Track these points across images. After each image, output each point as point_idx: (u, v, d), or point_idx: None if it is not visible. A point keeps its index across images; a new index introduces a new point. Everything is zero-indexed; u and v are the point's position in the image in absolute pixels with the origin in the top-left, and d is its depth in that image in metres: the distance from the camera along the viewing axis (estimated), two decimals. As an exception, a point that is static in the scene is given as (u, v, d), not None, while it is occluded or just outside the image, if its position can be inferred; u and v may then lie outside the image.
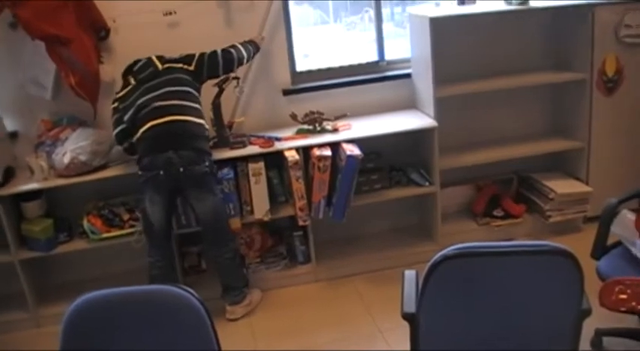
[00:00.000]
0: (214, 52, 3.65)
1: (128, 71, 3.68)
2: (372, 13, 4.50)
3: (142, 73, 3.60)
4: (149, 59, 3.64)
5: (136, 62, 3.65)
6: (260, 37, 3.88)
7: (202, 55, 3.65)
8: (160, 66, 3.60)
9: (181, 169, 3.32)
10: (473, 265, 2.03)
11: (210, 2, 3.86)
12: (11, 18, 3.57)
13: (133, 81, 3.61)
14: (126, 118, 3.52)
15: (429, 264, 2.01)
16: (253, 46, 3.80)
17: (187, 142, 3.39)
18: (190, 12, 3.85)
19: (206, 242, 3.63)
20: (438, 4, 4.31)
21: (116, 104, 3.59)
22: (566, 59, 4.17)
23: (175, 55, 3.68)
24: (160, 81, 3.53)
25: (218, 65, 3.64)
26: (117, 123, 3.58)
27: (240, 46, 3.71)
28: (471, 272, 2.02)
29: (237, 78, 3.79)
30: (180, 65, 3.63)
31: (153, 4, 3.81)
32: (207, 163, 3.42)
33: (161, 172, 3.33)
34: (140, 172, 3.42)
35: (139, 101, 3.48)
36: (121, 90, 3.63)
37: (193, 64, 3.64)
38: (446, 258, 1.99)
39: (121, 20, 3.81)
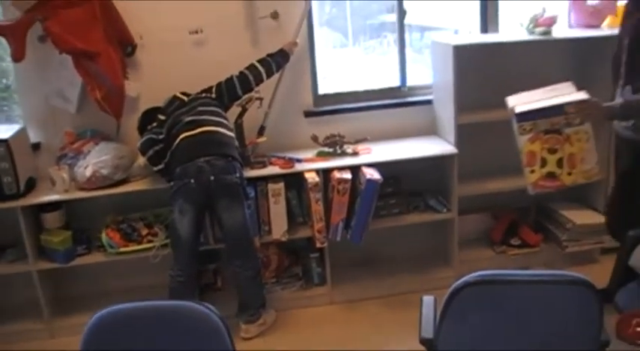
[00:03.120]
0: (230, 77, 3.74)
1: (151, 116, 3.75)
2: (390, 38, 4.53)
3: (169, 107, 3.70)
4: (173, 96, 3.75)
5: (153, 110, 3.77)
6: (293, 43, 3.89)
7: (219, 83, 3.75)
8: (185, 98, 3.70)
9: (212, 178, 3.34)
10: (494, 293, 2.03)
11: (238, 22, 3.90)
12: (41, 31, 3.62)
13: (162, 117, 3.68)
14: (161, 137, 3.58)
15: (450, 290, 2.02)
16: (279, 57, 3.83)
17: (218, 149, 3.43)
18: (217, 31, 3.89)
19: (230, 256, 3.57)
20: (457, 32, 4.35)
21: (148, 136, 3.64)
22: (587, 90, 4.16)
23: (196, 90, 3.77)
24: (190, 106, 3.62)
25: (235, 87, 3.72)
26: (148, 146, 3.60)
27: (257, 65, 3.76)
28: (492, 300, 2.02)
29: (260, 98, 3.83)
30: (203, 95, 3.73)
31: (180, 22, 3.86)
32: (237, 174, 3.43)
33: (192, 181, 3.35)
34: (172, 182, 3.45)
35: (172, 121, 3.58)
36: (152, 126, 3.70)
37: (214, 92, 3.74)
38: (467, 284, 2.00)
39: (148, 37, 3.85)
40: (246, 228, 3.48)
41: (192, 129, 3.49)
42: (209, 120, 3.55)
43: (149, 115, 3.79)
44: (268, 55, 3.81)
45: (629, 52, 3.21)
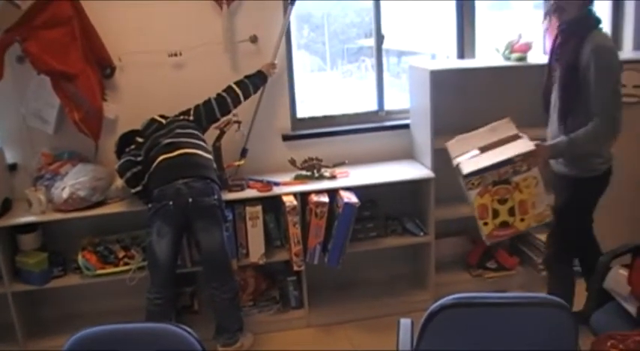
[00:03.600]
0: (208, 100, 3.76)
1: (129, 140, 3.76)
2: (368, 62, 4.57)
3: (147, 129, 3.70)
4: (151, 119, 3.76)
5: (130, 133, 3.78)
6: (270, 64, 3.92)
7: (197, 105, 3.76)
8: (163, 121, 3.71)
9: (190, 200, 3.33)
10: (470, 315, 2.04)
11: (217, 45, 3.91)
12: (19, 52, 3.62)
13: (140, 139, 3.69)
14: (139, 159, 3.58)
15: (427, 312, 2.02)
16: (257, 79, 3.86)
17: (197, 172, 3.43)
18: (196, 54, 3.90)
19: (207, 278, 3.54)
20: (434, 57, 4.39)
21: (126, 158, 3.63)
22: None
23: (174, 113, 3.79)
24: (168, 129, 3.63)
25: (214, 110, 3.74)
26: (126, 168, 3.59)
27: (235, 87, 3.78)
28: (468, 322, 2.03)
29: (238, 122, 3.85)
30: (181, 117, 3.74)
31: (159, 45, 3.87)
32: (216, 197, 3.43)
33: (170, 203, 3.34)
34: (149, 205, 3.43)
35: (150, 143, 3.57)
36: (130, 149, 3.70)
37: (191, 114, 3.74)
38: (444, 307, 2.00)
39: (127, 59, 3.85)
40: (224, 250, 3.47)
41: (171, 151, 3.49)
42: (187, 142, 3.55)
43: (126, 139, 3.78)
44: (246, 77, 3.84)
45: (562, 84, 3.19)
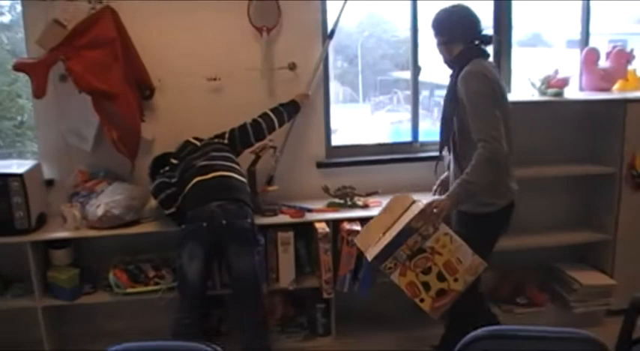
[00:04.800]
0: (243, 124, 3.80)
1: (163, 162, 3.81)
2: (400, 94, 4.59)
3: (182, 151, 3.74)
4: (186, 141, 3.81)
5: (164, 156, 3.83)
6: (304, 95, 3.97)
7: (233, 129, 3.80)
8: (197, 143, 3.75)
9: (224, 222, 3.33)
10: (503, 347, 2.01)
11: (255, 72, 3.96)
12: (63, 70, 3.69)
13: (175, 161, 3.73)
14: (173, 180, 3.61)
15: (460, 343, 2.01)
16: (291, 107, 3.90)
17: (231, 194, 3.44)
18: (234, 79, 3.96)
19: (236, 301, 3.51)
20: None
21: (161, 179, 3.67)
22: (597, 152, 4.24)
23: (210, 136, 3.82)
24: (202, 151, 3.66)
25: (249, 134, 3.78)
26: (161, 189, 3.63)
27: (270, 113, 3.82)
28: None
29: (274, 147, 3.88)
30: (215, 140, 3.77)
31: (199, 69, 3.93)
32: (249, 220, 3.44)
33: (204, 224, 3.34)
34: (183, 226, 3.44)
35: (185, 165, 3.61)
36: (165, 170, 3.74)
37: (226, 137, 3.78)
38: (477, 338, 1.99)
39: (166, 81, 3.92)
40: (255, 274, 3.44)
41: (206, 173, 3.51)
42: (222, 165, 3.58)
43: (160, 161, 3.83)
44: (280, 105, 3.88)
45: (442, 119, 3.25)
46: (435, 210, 3.01)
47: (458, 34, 3.15)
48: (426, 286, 3.06)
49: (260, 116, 3.81)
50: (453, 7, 3.24)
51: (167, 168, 3.74)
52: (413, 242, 3.02)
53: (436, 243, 3.02)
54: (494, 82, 3.05)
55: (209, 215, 3.35)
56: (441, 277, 3.04)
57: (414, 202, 3.15)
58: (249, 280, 3.43)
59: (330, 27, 4.00)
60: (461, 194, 3.04)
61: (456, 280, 3.05)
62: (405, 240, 3.02)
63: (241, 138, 3.78)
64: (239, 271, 3.42)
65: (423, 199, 3.14)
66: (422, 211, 3.02)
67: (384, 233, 3.14)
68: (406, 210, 3.15)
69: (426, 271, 3.04)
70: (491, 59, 3.34)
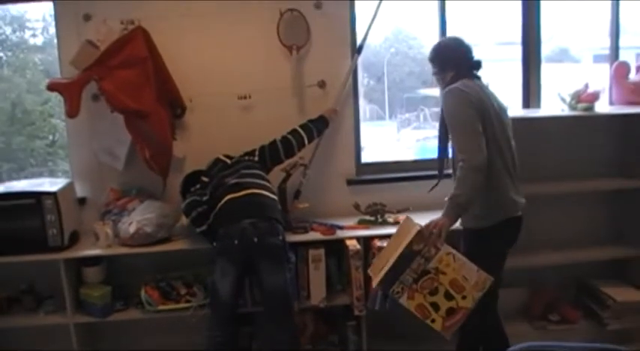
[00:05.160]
0: (273, 141, 3.81)
1: (194, 180, 3.82)
2: (427, 111, 4.58)
3: (213, 169, 3.77)
4: (216, 158, 3.82)
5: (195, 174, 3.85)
6: (332, 110, 3.99)
7: (263, 146, 3.82)
8: (228, 161, 3.77)
9: (256, 239, 3.33)
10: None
11: (285, 90, 3.98)
12: (95, 90, 3.75)
13: (205, 179, 3.75)
14: (205, 198, 3.62)
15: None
16: (320, 123, 3.93)
17: (262, 212, 3.44)
18: (265, 98, 3.99)
19: (267, 319, 3.47)
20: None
21: (192, 197, 3.68)
22: (629, 166, 4.20)
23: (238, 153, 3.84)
24: (233, 169, 3.68)
25: (279, 151, 3.79)
26: (192, 207, 3.64)
27: (299, 129, 3.84)
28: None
29: (304, 165, 3.90)
30: (246, 158, 3.79)
31: (230, 87, 3.97)
32: (281, 237, 3.44)
33: (236, 242, 3.34)
34: (214, 243, 3.46)
35: (216, 183, 3.62)
36: (196, 188, 3.76)
37: (256, 155, 3.79)
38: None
39: (198, 100, 3.96)
40: (286, 292, 3.42)
41: (237, 191, 3.52)
42: (253, 183, 3.59)
43: (191, 179, 3.85)
44: (309, 121, 3.90)
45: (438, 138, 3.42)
46: (433, 231, 3.04)
47: (450, 63, 3.32)
48: (435, 306, 3.05)
49: (290, 133, 3.83)
50: (447, 39, 3.59)
51: (198, 186, 3.76)
52: (417, 265, 3.03)
53: (439, 263, 3.03)
54: (472, 96, 3.14)
55: (241, 233, 3.35)
56: (448, 296, 3.04)
57: (414, 225, 3.15)
58: (280, 297, 3.41)
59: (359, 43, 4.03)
60: (454, 209, 3.07)
61: (464, 297, 3.04)
62: (408, 263, 3.03)
63: (271, 155, 3.80)
64: (271, 289, 3.40)
65: (417, 225, 3.13)
66: (420, 233, 3.04)
67: (389, 259, 3.15)
68: (406, 235, 3.16)
69: (434, 292, 3.04)
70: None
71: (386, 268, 3.07)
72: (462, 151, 3.07)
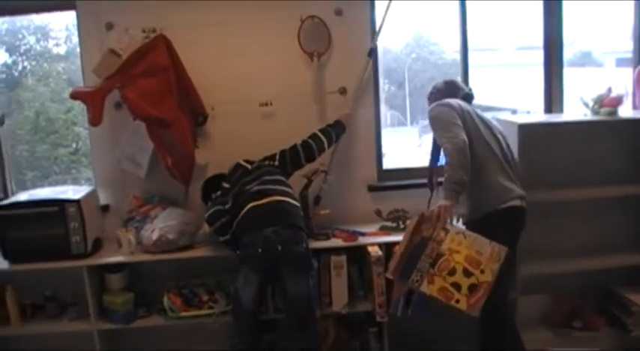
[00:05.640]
0: (294, 145, 3.80)
1: (214, 185, 3.83)
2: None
3: (233, 175, 3.76)
4: (237, 163, 3.82)
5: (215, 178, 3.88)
6: (347, 114, 4.00)
7: (283, 150, 3.81)
8: (248, 166, 3.77)
9: (279, 247, 3.32)
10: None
11: (306, 97, 4.00)
12: (118, 98, 3.78)
13: (226, 185, 3.75)
14: (227, 207, 3.62)
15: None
16: (338, 128, 3.93)
17: (286, 220, 3.44)
18: (286, 104, 4.01)
19: (289, 326, 3.44)
20: (514, 112, 4.38)
21: (216, 207, 3.68)
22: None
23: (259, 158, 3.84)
24: (255, 175, 3.67)
25: (300, 156, 3.78)
26: (216, 217, 3.63)
27: (319, 134, 3.84)
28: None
29: (325, 171, 3.91)
30: (266, 162, 3.78)
31: (251, 95, 3.99)
32: (304, 245, 3.43)
33: (259, 250, 3.33)
34: (238, 251, 3.46)
35: (238, 190, 3.62)
36: (217, 195, 3.76)
37: (277, 159, 3.79)
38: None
39: (219, 108, 3.98)
40: (309, 299, 3.42)
41: (260, 199, 3.51)
42: (275, 189, 3.58)
43: (212, 183, 3.86)
44: (328, 126, 3.90)
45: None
46: (433, 212, 3.18)
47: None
48: (456, 286, 3.06)
49: (309, 137, 3.83)
50: (445, 81, 3.83)
51: (219, 193, 3.77)
52: (430, 250, 3.11)
53: (452, 243, 3.11)
54: (453, 104, 3.46)
55: (264, 241, 3.35)
56: (467, 273, 3.07)
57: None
58: (304, 305, 3.40)
59: (378, 50, 4.05)
60: (450, 189, 3.20)
61: (482, 271, 3.07)
62: (422, 250, 3.12)
63: (292, 159, 3.80)
64: (294, 296, 3.38)
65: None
66: (426, 218, 3.18)
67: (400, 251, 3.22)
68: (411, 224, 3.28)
69: (452, 272, 3.07)
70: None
71: (397, 257, 3.14)
72: (444, 139, 3.29)
